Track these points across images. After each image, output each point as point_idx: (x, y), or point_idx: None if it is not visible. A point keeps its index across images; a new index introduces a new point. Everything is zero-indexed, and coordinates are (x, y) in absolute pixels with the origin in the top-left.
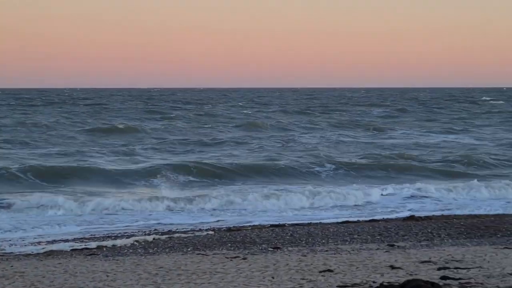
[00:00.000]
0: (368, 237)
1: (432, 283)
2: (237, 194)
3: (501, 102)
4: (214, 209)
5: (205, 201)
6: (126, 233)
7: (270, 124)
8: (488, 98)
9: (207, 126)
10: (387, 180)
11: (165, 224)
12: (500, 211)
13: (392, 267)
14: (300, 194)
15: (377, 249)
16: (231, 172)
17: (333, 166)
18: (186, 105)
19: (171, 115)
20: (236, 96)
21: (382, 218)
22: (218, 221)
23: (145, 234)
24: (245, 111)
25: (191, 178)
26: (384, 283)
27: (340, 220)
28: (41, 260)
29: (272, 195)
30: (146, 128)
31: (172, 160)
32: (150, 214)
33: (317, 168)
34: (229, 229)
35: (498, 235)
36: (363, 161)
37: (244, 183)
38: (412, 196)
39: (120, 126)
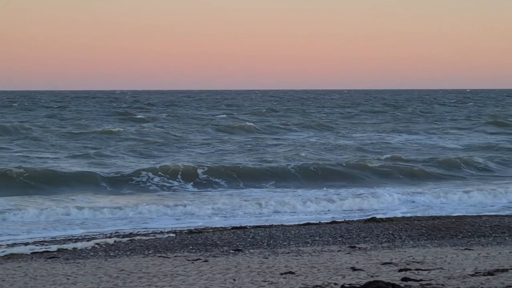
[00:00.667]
0: (330, 239)
1: (393, 285)
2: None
3: (471, 103)
4: (193, 213)
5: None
6: (87, 236)
7: (254, 127)
8: (453, 100)
9: (183, 129)
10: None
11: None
12: (461, 213)
13: (354, 269)
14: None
15: (339, 251)
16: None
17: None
18: (160, 108)
19: (144, 117)
20: (203, 97)
21: (343, 219)
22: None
23: (106, 237)
24: (221, 115)
25: (171, 181)
26: (346, 285)
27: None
28: (1, 264)
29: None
30: (124, 131)
31: (153, 164)
32: (139, 218)
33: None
34: (190, 232)
35: (459, 237)
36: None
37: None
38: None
39: (98, 129)
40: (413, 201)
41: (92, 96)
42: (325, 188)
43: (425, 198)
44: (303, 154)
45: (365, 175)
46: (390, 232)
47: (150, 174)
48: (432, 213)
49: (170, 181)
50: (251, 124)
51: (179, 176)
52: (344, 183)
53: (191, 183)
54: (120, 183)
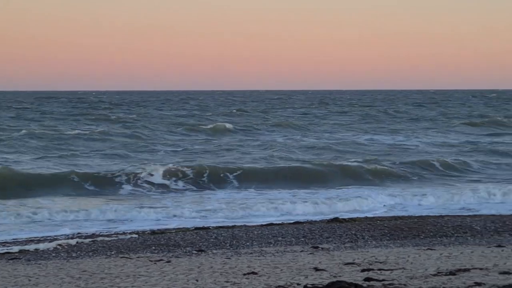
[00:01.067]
0: (293, 239)
1: (356, 285)
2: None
3: (436, 104)
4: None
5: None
6: (49, 237)
7: (226, 127)
8: (418, 100)
9: (154, 129)
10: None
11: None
12: (424, 213)
13: (316, 269)
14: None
15: (302, 251)
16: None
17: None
18: (130, 108)
19: (115, 118)
20: (169, 98)
21: (306, 220)
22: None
23: (68, 238)
24: (191, 115)
25: (143, 182)
26: (308, 285)
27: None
28: None
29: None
30: (93, 131)
31: (125, 165)
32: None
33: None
34: (153, 232)
35: (421, 237)
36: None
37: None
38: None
39: (67, 130)
40: (384, 201)
41: (59, 96)
42: (302, 189)
43: (398, 199)
44: (275, 154)
45: (340, 175)
46: (353, 232)
47: (122, 175)
48: (405, 213)
49: (142, 182)
50: (228, 125)
51: (150, 177)
52: (319, 184)
53: (163, 184)
54: (90, 185)
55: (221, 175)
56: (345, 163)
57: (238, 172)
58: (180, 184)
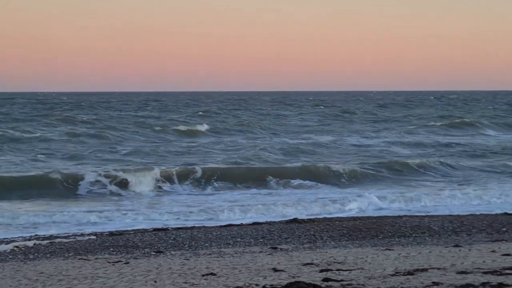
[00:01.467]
0: (251, 240)
1: (314, 285)
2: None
3: (397, 104)
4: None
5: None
6: (5, 239)
7: (197, 129)
8: (380, 102)
9: (119, 129)
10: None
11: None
12: (383, 213)
13: (275, 270)
14: None
15: (260, 252)
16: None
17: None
18: (98, 110)
19: (81, 119)
20: (131, 98)
21: (265, 221)
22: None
23: (25, 240)
24: (158, 117)
25: (109, 185)
26: (267, 286)
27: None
28: None
29: None
30: (57, 133)
31: (92, 167)
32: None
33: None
34: (111, 234)
35: (380, 237)
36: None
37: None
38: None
39: (31, 132)
40: (347, 201)
41: (20, 97)
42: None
43: (359, 199)
44: (243, 155)
45: (305, 176)
46: (312, 233)
47: (86, 177)
48: (363, 214)
49: (106, 184)
50: (199, 126)
51: (116, 179)
52: (284, 184)
53: (129, 186)
54: (52, 186)
55: (188, 176)
56: (310, 163)
57: (204, 173)
58: (146, 186)
